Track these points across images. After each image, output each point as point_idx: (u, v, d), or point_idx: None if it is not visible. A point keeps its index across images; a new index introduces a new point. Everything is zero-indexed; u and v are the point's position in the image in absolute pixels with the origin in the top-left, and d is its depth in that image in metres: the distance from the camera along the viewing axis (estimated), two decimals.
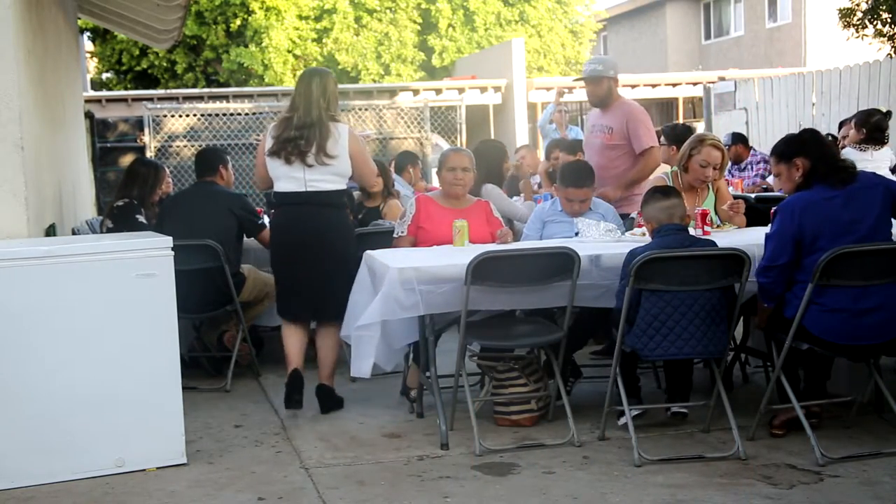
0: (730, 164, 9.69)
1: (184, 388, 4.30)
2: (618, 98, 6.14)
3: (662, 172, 5.67)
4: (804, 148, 4.25)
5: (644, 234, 4.78)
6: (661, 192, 4.54)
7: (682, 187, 5.34)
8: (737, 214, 5.35)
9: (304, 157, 4.83)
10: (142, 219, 5.85)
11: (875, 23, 12.83)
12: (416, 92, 20.82)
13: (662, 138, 7.82)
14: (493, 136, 17.12)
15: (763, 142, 13.71)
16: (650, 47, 30.90)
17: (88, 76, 23.60)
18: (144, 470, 4.16)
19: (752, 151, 9.69)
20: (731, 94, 14.83)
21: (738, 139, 9.64)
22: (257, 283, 5.95)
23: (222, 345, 5.91)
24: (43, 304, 4.01)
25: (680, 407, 4.58)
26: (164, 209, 6.15)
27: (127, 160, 10.74)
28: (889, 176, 6.20)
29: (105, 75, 26.12)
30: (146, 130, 13.28)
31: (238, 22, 24.03)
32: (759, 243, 4.58)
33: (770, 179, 9.01)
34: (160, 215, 6.09)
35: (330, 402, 4.97)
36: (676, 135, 6.71)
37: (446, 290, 4.32)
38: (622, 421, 4.39)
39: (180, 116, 13.76)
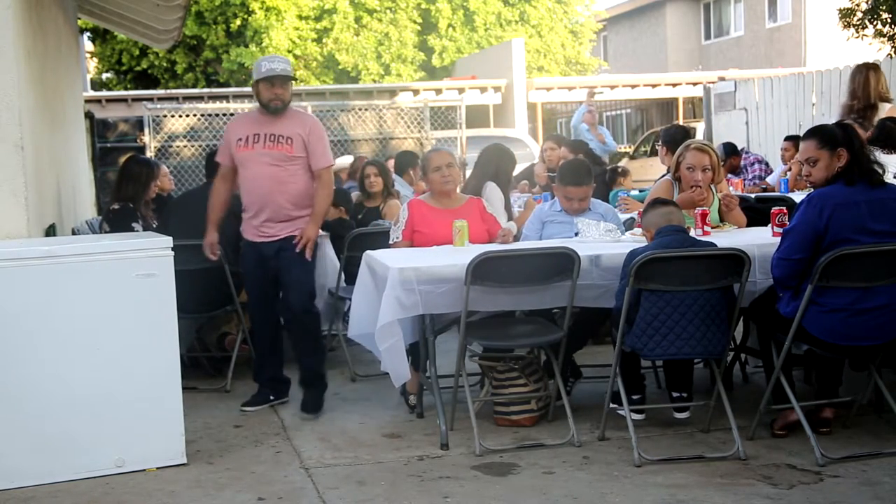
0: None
1: (184, 388, 4.30)
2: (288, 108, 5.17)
3: (669, 176, 5.60)
4: (849, 139, 4.13)
5: (643, 235, 4.78)
6: (660, 201, 4.61)
7: (682, 201, 5.26)
8: (729, 211, 5.33)
9: None
10: (137, 227, 5.84)
11: (875, 23, 12.83)
12: (416, 92, 20.83)
13: (659, 140, 7.85)
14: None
15: (763, 142, 13.71)
16: (650, 47, 30.91)
17: (88, 76, 23.61)
18: (144, 470, 4.16)
19: (744, 153, 9.68)
20: (731, 94, 14.82)
21: (731, 151, 9.60)
22: None
23: (223, 346, 5.91)
24: (43, 304, 4.02)
25: (681, 401, 4.61)
26: (171, 209, 6.15)
27: None
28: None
29: (105, 75, 26.14)
30: (146, 130, 13.26)
31: (238, 22, 24.04)
32: (759, 243, 4.59)
33: (770, 179, 9.01)
34: (166, 214, 6.10)
35: None
36: (671, 136, 6.69)
37: (446, 290, 4.32)
38: (620, 411, 4.36)
39: (180, 116, 13.75)
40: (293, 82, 5.10)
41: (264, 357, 5.22)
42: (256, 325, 5.28)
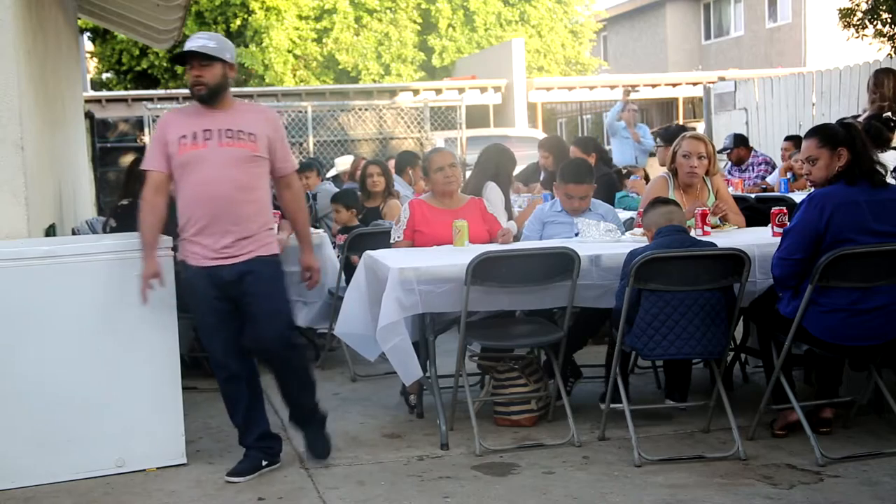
0: (730, 164, 9.71)
1: (184, 388, 4.30)
2: (232, 97, 4.19)
3: (663, 173, 5.64)
4: (851, 139, 4.12)
5: (644, 234, 4.79)
6: (661, 201, 4.61)
7: (680, 188, 5.34)
8: (723, 214, 5.33)
9: None
10: None
11: (875, 23, 12.81)
12: (416, 92, 20.83)
13: (658, 139, 7.83)
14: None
15: (763, 142, 13.70)
16: (650, 47, 30.91)
17: (88, 76, 23.62)
18: (144, 470, 4.16)
19: (752, 152, 9.69)
20: (731, 94, 14.82)
21: (740, 141, 9.66)
22: None
23: None
24: (43, 304, 4.02)
25: (678, 401, 4.63)
26: (170, 209, 6.15)
27: (127, 160, 10.73)
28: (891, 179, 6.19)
29: (105, 75, 26.13)
30: (146, 130, 13.27)
31: (238, 22, 24.04)
32: (759, 243, 4.59)
33: (770, 179, 9.00)
34: (167, 214, 6.10)
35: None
36: (671, 135, 6.69)
37: (446, 290, 4.32)
38: (618, 406, 4.34)
39: None
40: (225, 65, 4.04)
41: (244, 413, 4.17)
42: (226, 376, 4.14)
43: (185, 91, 19.15)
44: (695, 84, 22.87)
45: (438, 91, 21.03)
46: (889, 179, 4.29)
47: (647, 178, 8.16)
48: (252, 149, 4.04)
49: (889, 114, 6.90)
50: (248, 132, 4.04)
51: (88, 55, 24.62)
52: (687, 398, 4.71)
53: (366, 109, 14.94)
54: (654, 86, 23.24)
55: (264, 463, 4.13)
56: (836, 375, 4.44)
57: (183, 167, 4.03)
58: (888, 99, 6.87)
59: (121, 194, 6.15)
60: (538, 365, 4.79)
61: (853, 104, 12.14)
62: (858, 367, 4.41)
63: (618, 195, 7.45)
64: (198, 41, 4.03)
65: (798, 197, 6.15)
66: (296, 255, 6.23)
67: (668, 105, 25.19)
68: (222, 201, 3.99)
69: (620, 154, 10.83)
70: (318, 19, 25.49)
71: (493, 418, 4.69)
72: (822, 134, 4.18)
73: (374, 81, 24.53)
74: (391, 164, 8.30)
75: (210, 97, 4.04)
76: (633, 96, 11.24)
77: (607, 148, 10.64)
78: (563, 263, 4.33)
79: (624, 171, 8.54)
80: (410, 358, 4.43)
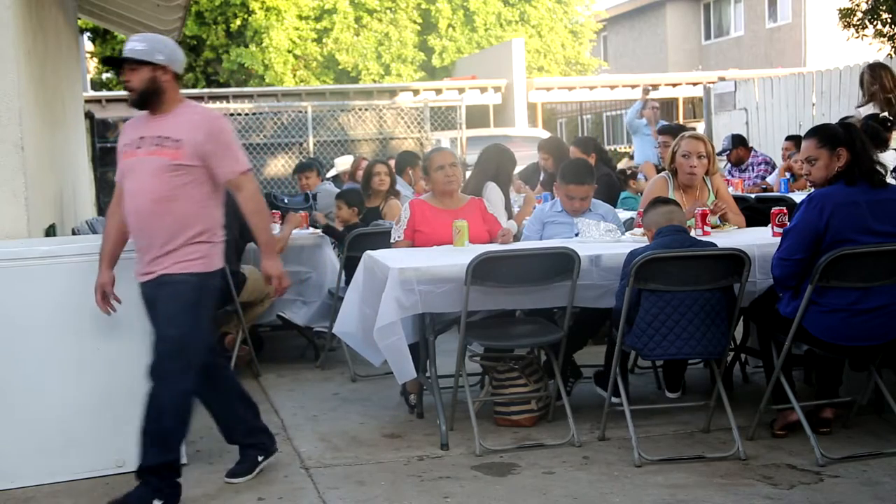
0: (730, 165, 9.70)
1: None
2: (181, 101, 3.87)
3: (663, 173, 5.64)
4: (851, 139, 4.11)
5: (644, 234, 4.79)
6: (661, 200, 4.61)
7: (679, 188, 5.35)
8: (721, 214, 5.33)
9: None
10: None
11: (875, 23, 12.81)
12: (416, 92, 20.84)
13: (662, 137, 7.83)
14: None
15: (763, 142, 13.70)
16: (650, 47, 30.92)
17: (88, 76, 23.60)
18: None
19: (752, 152, 9.68)
20: (731, 94, 14.81)
21: (739, 141, 9.61)
22: (257, 284, 5.94)
23: (223, 346, 5.90)
24: (43, 304, 4.02)
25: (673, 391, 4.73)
26: None
27: None
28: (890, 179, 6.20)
29: (105, 75, 26.13)
30: None
31: (238, 22, 24.06)
32: (759, 243, 4.59)
33: (770, 179, 9.01)
34: None
35: None
36: (673, 132, 6.69)
37: (446, 290, 4.32)
38: (615, 399, 4.36)
39: None
40: (156, 68, 3.76)
41: (227, 414, 4.13)
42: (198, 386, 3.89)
43: (185, 91, 19.13)
44: (695, 84, 22.89)
45: (438, 91, 21.05)
46: (889, 179, 4.29)
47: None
48: (172, 157, 3.72)
49: (886, 113, 6.89)
50: (175, 139, 3.74)
51: (88, 55, 24.61)
52: (681, 387, 4.73)
53: (366, 109, 14.93)
54: (653, 86, 23.26)
55: (260, 458, 4.11)
56: (836, 375, 4.44)
57: (122, 177, 3.88)
58: (890, 91, 6.88)
59: None
60: (538, 365, 4.79)
61: (853, 104, 12.14)
62: (858, 367, 4.41)
63: (621, 195, 7.44)
64: (128, 44, 3.83)
65: (798, 197, 6.15)
66: (295, 254, 6.31)
67: (669, 105, 25.17)
68: (140, 213, 3.77)
69: (642, 152, 10.79)
70: (318, 19, 25.51)
71: (493, 418, 4.69)
72: (822, 134, 4.18)
73: (374, 81, 24.55)
74: (391, 164, 8.30)
75: (141, 102, 3.80)
76: (636, 95, 11.22)
77: (608, 148, 10.62)
78: (563, 263, 4.33)
79: (628, 172, 8.52)
80: (405, 357, 4.44)
